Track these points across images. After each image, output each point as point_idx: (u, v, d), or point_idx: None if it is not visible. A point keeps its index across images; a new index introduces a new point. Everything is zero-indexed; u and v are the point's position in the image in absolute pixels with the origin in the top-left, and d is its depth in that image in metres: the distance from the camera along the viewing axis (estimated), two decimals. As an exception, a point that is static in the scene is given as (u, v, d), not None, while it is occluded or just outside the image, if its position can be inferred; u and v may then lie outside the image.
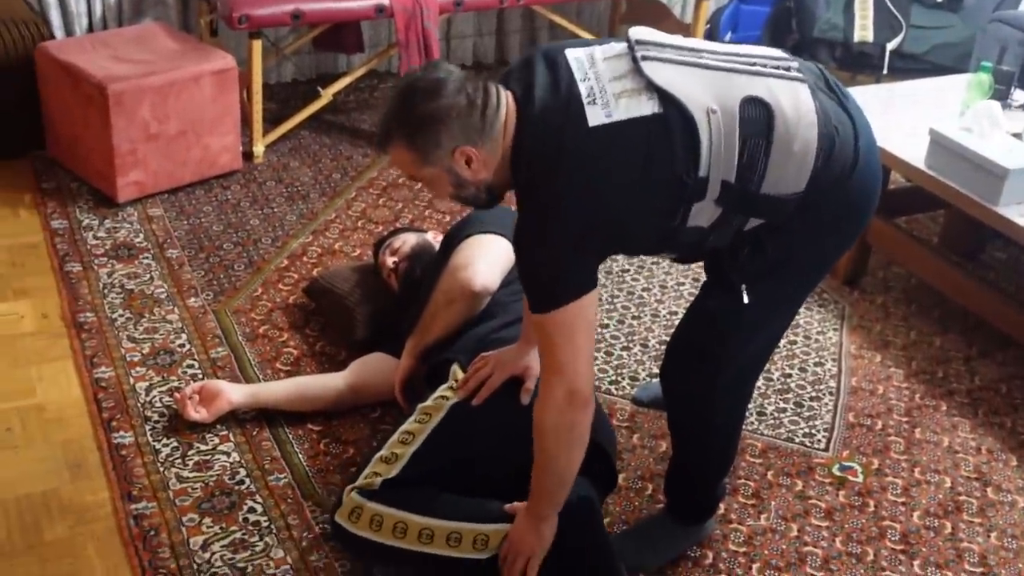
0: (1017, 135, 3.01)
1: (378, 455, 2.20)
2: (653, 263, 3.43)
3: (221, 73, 3.55)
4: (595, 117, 1.79)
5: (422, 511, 2.10)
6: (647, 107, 1.80)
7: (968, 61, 4.14)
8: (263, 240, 3.39)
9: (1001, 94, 3.26)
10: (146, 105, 3.39)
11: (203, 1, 3.95)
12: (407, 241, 2.91)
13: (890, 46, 4.36)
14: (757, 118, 1.82)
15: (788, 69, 1.90)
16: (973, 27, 4.35)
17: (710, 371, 2.11)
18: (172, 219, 3.45)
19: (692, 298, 3.20)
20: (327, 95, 4.01)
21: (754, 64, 1.89)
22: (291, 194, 3.68)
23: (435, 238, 2.96)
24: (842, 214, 1.97)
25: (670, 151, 1.80)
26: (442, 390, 2.31)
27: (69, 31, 4.00)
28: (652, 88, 1.81)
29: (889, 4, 4.40)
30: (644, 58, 1.84)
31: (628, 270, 3.39)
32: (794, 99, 1.85)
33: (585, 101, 1.80)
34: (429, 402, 2.29)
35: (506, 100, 1.85)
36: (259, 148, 3.85)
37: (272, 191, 3.69)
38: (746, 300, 1.97)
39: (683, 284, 3.34)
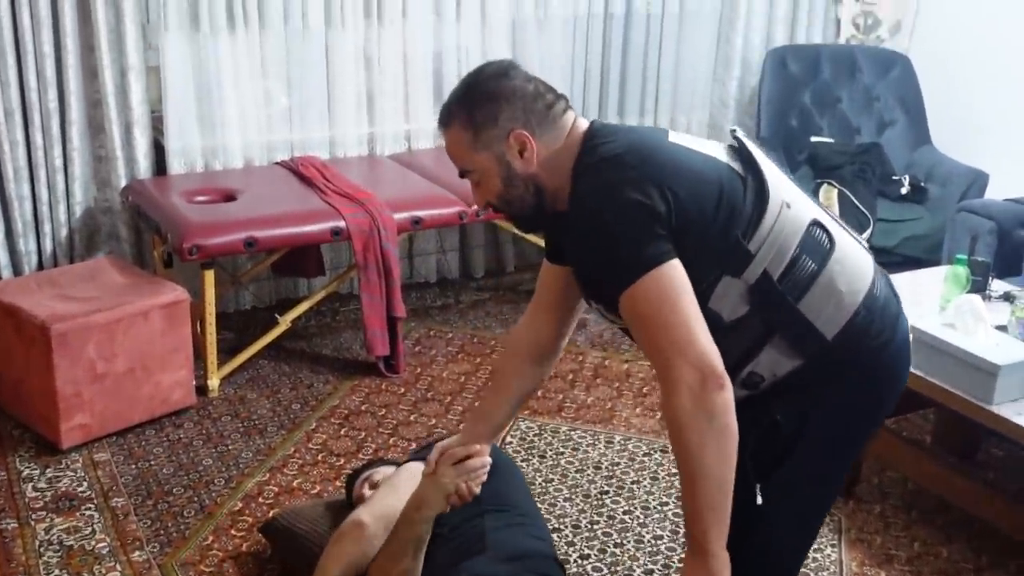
0: (1002, 327, 2.89)
1: None
2: (633, 483, 3.22)
3: (171, 306, 3.42)
4: (677, 138, 1.85)
5: None
6: (731, 161, 1.83)
7: (939, 252, 4.07)
8: (216, 481, 3.17)
9: (979, 285, 3.17)
10: (92, 344, 3.23)
11: (155, 234, 3.86)
12: (387, 475, 2.69)
13: (859, 241, 4.30)
14: (819, 242, 1.81)
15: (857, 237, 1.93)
16: (941, 218, 4.33)
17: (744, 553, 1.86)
18: (119, 464, 3.23)
19: (677, 519, 3.05)
20: (285, 322, 3.88)
21: (834, 216, 1.92)
22: (247, 428, 3.49)
23: None
24: (865, 387, 1.86)
25: (739, 205, 1.77)
26: None
27: (17, 270, 3.89)
28: (739, 154, 1.85)
29: (854, 200, 4.38)
30: (741, 135, 1.88)
31: (607, 492, 3.18)
32: (857, 253, 1.86)
33: (669, 133, 1.87)
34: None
35: (575, 117, 1.87)
36: (214, 381, 3.68)
37: (227, 427, 3.49)
38: (759, 501, 1.80)
39: (666, 504, 3.13)
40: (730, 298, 1.77)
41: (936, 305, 3.14)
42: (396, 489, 2.40)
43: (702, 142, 1.88)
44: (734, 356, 1.77)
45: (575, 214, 1.79)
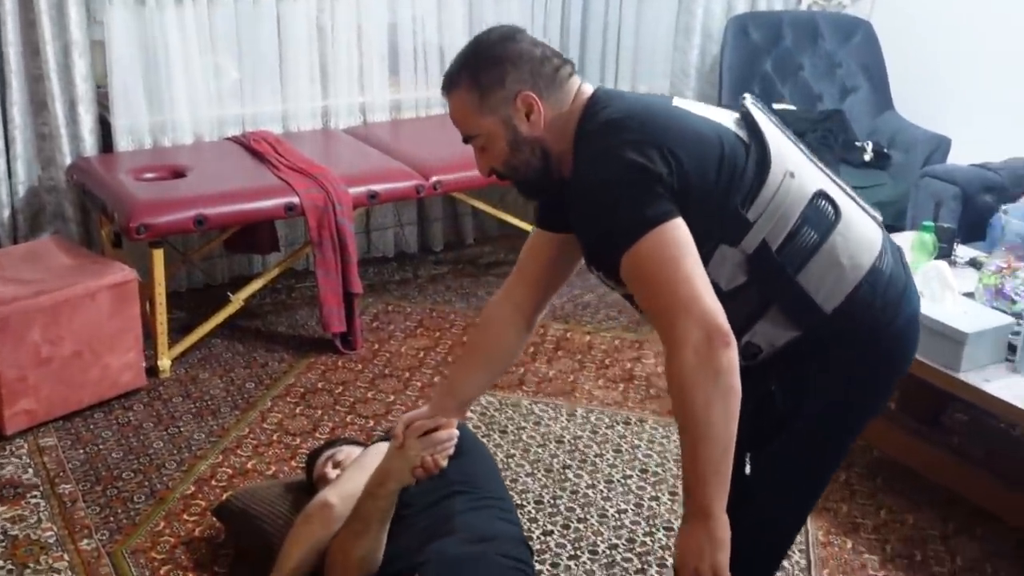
0: (968, 294, 2.85)
1: None
2: (596, 456, 3.17)
3: (119, 287, 3.31)
4: (682, 103, 1.81)
5: None
6: (737, 129, 1.78)
7: (903, 218, 4.03)
8: (167, 464, 3.08)
9: (945, 252, 3.13)
10: (36, 327, 3.12)
11: (102, 213, 3.75)
12: (351, 455, 2.61)
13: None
14: (824, 213, 1.77)
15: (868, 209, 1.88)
16: (904, 184, 4.29)
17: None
18: (66, 449, 3.13)
19: (641, 492, 2.99)
20: (238, 300, 3.78)
21: (844, 186, 1.87)
22: (199, 409, 3.39)
23: None
24: (864, 366, 1.81)
25: (739, 172, 1.72)
26: None
27: (-41, 253, 3.76)
28: (746, 121, 1.79)
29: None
30: (750, 103, 1.82)
31: (570, 466, 3.12)
32: (864, 226, 1.81)
33: (673, 99, 1.84)
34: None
35: (580, 82, 1.83)
36: (164, 362, 3.58)
37: (179, 408, 3.40)
38: (747, 470, 1.76)
39: (630, 477, 3.07)
40: (727, 267, 1.73)
41: (900, 270, 3.09)
42: (364, 469, 2.32)
43: (709, 108, 1.84)
44: (732, 326, 1.70)
45: (577, 178, 1.75)
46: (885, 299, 1.80)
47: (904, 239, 3.27)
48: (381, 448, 2.42)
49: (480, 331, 2.11)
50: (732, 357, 1.61)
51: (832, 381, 1.81)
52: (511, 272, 2.08)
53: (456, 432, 2.08)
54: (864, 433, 3.19)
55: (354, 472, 2.39)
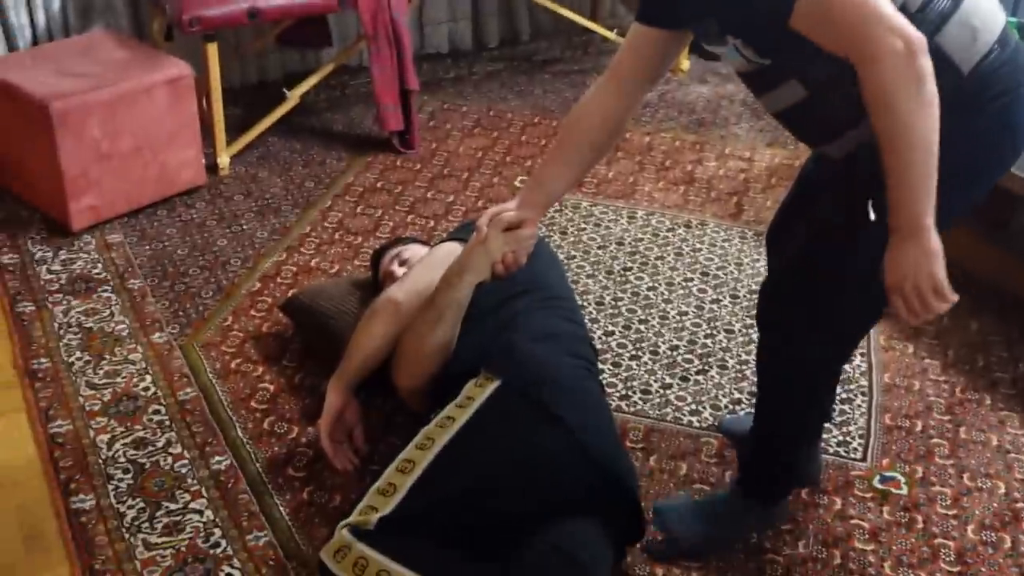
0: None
1: (375, 486, 1.93)
2: (657, 258, 3.16)
3: (175, 81, 3.27)
4: None
5: (409, 564, 1.81)
6: None
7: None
8: (232, 261, 3.11)
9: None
10: (94, 122, 3.11)
11: (153, 5, 3.66)
12: (417, 254, 2.62)
13: None
14: None
15: None
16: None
17: (814, 294, 1.88)
18: (133, 245, 3.17)
19: (701, 295, 3.00)
20: (294, 97, 3.73)
21: None
22: (261, 208, 3.40)
23: None
24: (990, 136, 1.79)
25: None
26: (449, 409, 2.04)
27: (12, 46, 3.71)
28: None
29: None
30: None
31: (630, 268, 3.12)
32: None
33: None
34: (432, 425, 2.02)
35: None
36: (224, 159, 3.57)
37: (240, 206, 3.41)
38: (872, 216, 1.73)
39: (691, 280, 3.07)
40: None
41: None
42: (432, 269, 2.33)
43: None
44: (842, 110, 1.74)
45: None
46: (1013, 66, 1.76)
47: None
48: (447, 248, 2.42)
49: (571, 128, 2.05)
50: (930, 65, 1.60)
51: (957, 146, 1.74)
52: (605, 69, 2.01)
53: (537, 232, 2.07)
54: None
55: (421, 270, 2.40)
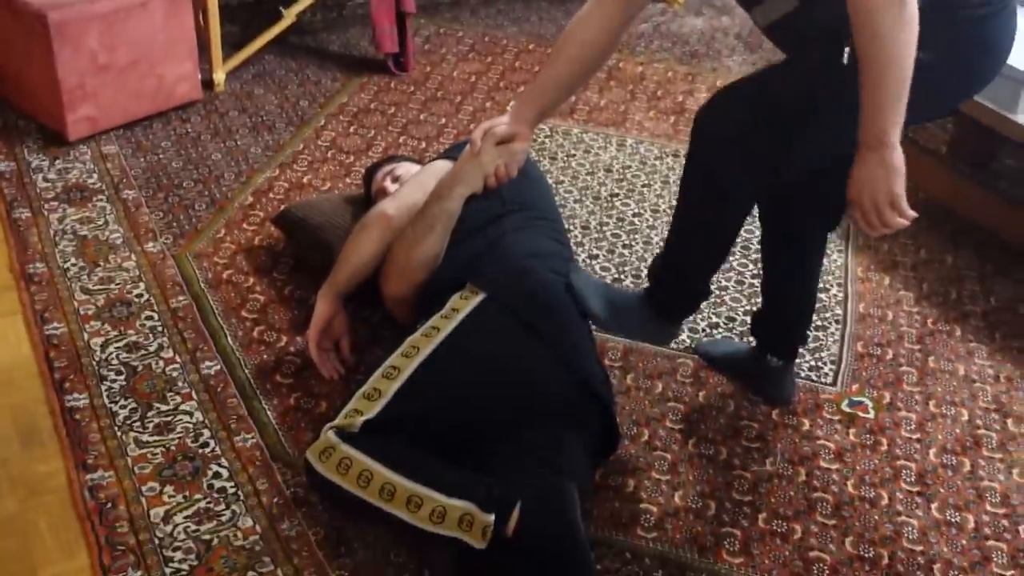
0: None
1: (360, 391, 2.01)
2: (644, 186, 3.22)
3: (172, -5, 3.29)
4: None
5: (390, 465, 1.88)
6: None
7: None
8: (226, 176, 3.16)
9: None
10: (92, 34, 3.13)
11: (152, -83, 3.65)
12: (409, 171, 2.66)
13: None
14: None
15: None
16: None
17: (789, 130, 1.87)
18: (128, 156, 3.21)
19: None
20: (290, 15, 3.75)
21: None
22: (255, 124, 3.44)
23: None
24: (961, 54, 1.84)
25: None
26: (434, 320, 2.11)
27: (9, -45, 3.71)
28: None
29: None
30: None
31: (617, 195, 3.18)
32: None
33: None
34: (417, 334, 2.09)
35: None
36: (219, 76, 3.60)
37: (235, 122, 3.45)
38: (845, 60, 1.75)
39: (676, 207, 3.13)
40: None
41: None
42: (423, 185, 2.39)
43: None
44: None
45: None
46: None
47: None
48: (439, 165, 2.48)
49: (564, 44, 2.10)
50: None
51: (928, 59, 1.77)
52: None
53: (528, 146, 2.13)
54: (911, 174, 3.22)
55: (412, 187, 2.45)
